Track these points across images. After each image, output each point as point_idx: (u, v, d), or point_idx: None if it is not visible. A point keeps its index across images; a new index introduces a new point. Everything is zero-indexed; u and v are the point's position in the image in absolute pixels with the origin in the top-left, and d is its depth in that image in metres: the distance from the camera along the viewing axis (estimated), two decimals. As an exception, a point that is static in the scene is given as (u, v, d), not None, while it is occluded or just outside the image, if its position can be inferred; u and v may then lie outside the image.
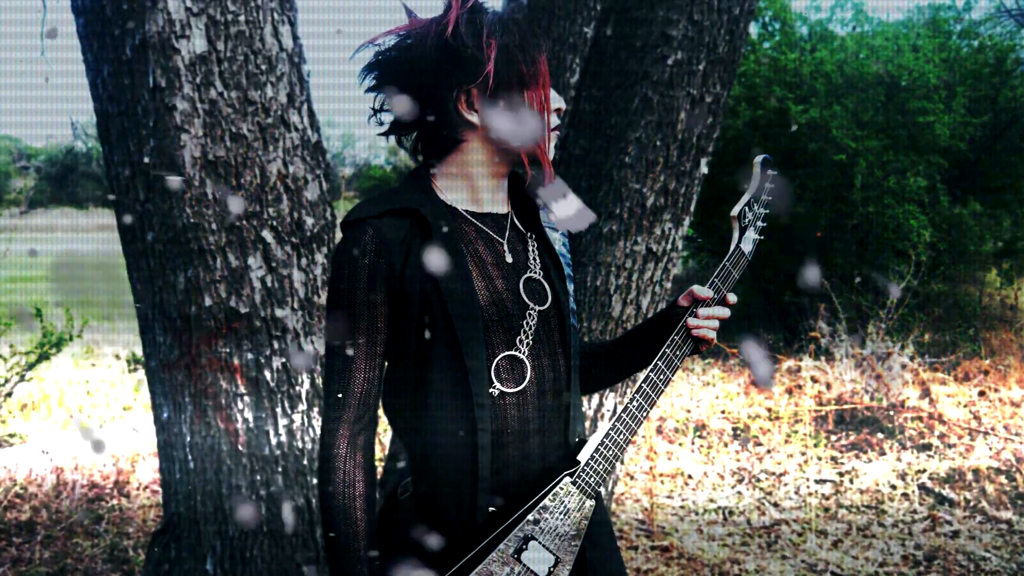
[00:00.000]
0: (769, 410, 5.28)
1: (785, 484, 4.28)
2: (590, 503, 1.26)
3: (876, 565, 3.35)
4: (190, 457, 2.33)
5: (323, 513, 1.22)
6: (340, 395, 1.22)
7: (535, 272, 1.32)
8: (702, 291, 1.33)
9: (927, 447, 4.75)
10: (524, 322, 1.27)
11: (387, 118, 1.33)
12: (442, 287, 1.21)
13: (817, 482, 4.30)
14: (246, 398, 2.28)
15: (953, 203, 7.02)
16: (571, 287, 1.39)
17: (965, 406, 5.32)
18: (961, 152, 7.00)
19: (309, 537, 2.35)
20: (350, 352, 1.22)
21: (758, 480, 4.34)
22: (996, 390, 5.63)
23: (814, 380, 5.51)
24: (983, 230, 7.03)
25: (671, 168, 2.45)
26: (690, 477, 4.38)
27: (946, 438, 4.83)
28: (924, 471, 4.37)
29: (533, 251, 1.34)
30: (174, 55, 2.14)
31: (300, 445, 2.33)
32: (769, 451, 4.77)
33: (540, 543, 1.22)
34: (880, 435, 4.94)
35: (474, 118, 1.25)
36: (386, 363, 1.27)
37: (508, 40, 1.23)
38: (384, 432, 4.16)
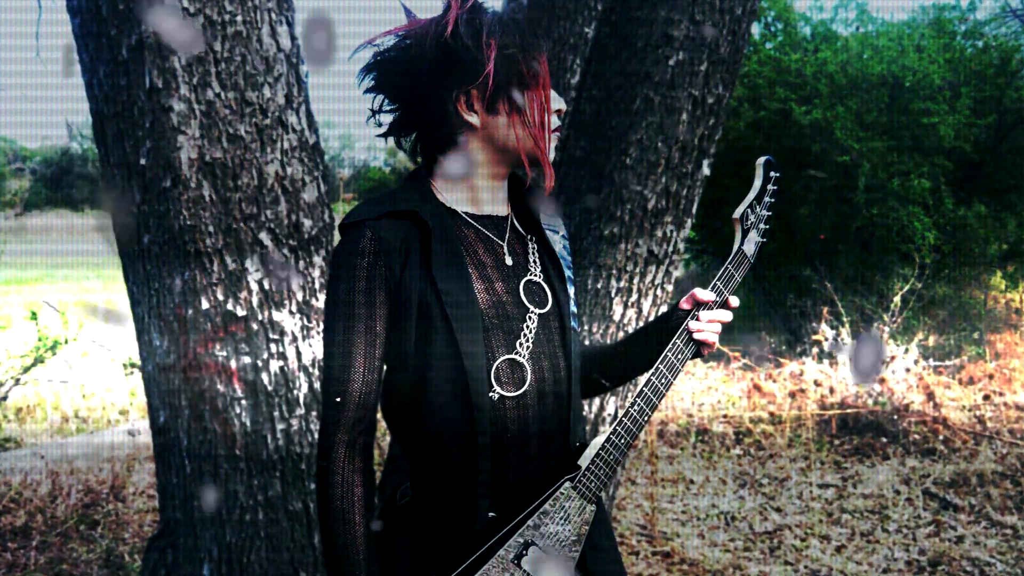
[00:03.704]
0: (772, 414, 5.25)
1: (788, 489, 4.25)
2: (591, 508, 1.25)
3: (880, 571, 3.32)
4: (187, 461, 2.31)
5: (321, 518, 1.21)
6: (338, 399, 1.21)
7: (535, 274, 1.30)
8: (704, 294, 1.32)
9: (931, 451, 4.72)
10: (524, 325, 1.25)
11: (386, 119, 1.31)
12: (441, 289, 1.19)
13: (820, 487, 4.28)
14: (243, 402, 2.26)
15: (957, 205, 6.99)
16: (571, 289, 1.37)
17: (969, 410, 5.29)
18: (965, 153, 6.97)
19: (307, 542, 2.33)
20: (348, 355, 1.20)
21: (760, 485, 4.31)
22: (1001, 394, 5.60)
23: (817, 384, 5.48)
24: (988, 232, 7.00)
25: (672, 170, 2.43)
26: (692, 482, 4.35)
27: (950, 442, 4.80)
28: (928, 476, 4.34)
29: (533, 253, 1.33)
30: (171, 56, 2.12)
31: (298, 449, 2.31)
32: (771, 456, 4.74)
33: (540, 548, 1.20)
34: (883, 439, 4.91)
35: (473, 119, 1.24)
36: (385, 366, 1.25)
37: (508, 41, 1.22)
38: (383, 436, 4.14)
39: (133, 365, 4.83)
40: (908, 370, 5.27)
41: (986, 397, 5.43)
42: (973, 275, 7.84)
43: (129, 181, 2.22)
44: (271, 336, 2.27)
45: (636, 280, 2.47)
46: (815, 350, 5.97)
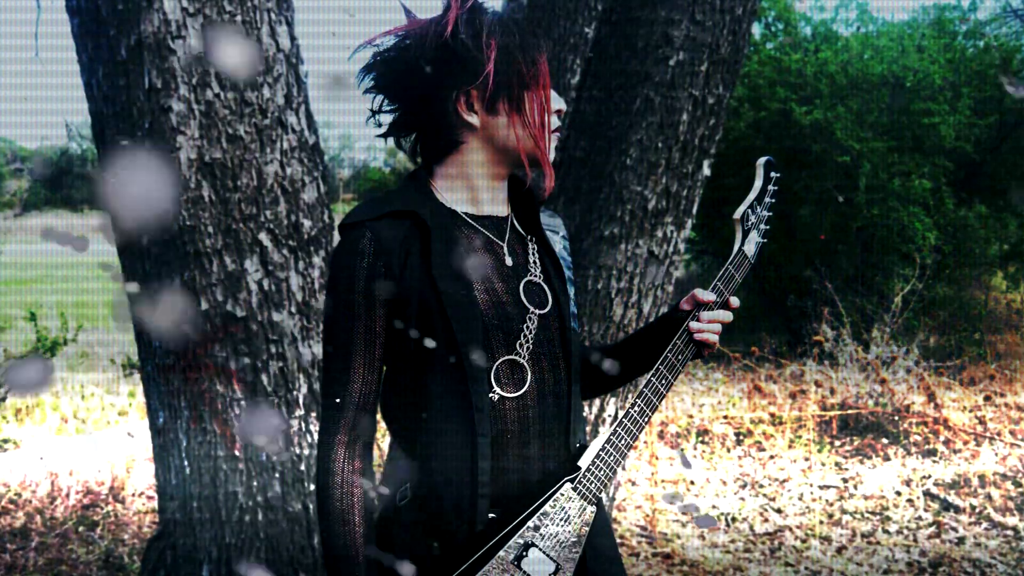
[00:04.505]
0: (772, 415, 5.24)
1: (788, 490, 4.24)
2: (591, 509, 1.24)
3: (880, 572, 3.31)
4: (186, 463, 2.31)
5: (320, 519, 1.20)
6: (338, 400, 1.21)
7: (535, 275, 1.30)
8: (704, 294, 1.31)
9: (932, 452, 4.72)
10: (524, 326, 1.24)
11: (386, 119, 1.31)
12: (441, 290, 1.19)
13: (821, 488, 4.27)
14: (243, 403, 2.26)
15: (958, 205, 6.99)
16: (572, 290, 1.37)
17: (970, 411, 5.28)
18: (966, 154, 6.96)
19: (307, 544, 2.33)
20: (348, 356, 1.20)
21: (761, 486, 4.31)
22: (1002, 395, 5.59)
23: (818, 385, 5.47)
24: (988, 233, 6.99)
25: (673, 170, 2.43)
26: (692, 483, 4.34)
27: (951, 443, 4.79)
28: (929, 477, 4.33)
29: (533, 254, 1.32)
30: (170, 56, 2.12)
31: (297, 451, 2.30)
32: (772, 457, 4.73)
33: (540, 550, 1.20)
34: (884, 440, 4.91)
35: (473, 119, 1.23)
36: (384, 367, 1.24)
37: (508, 41, 1.21)
38: (383, 437, 4.13)
39: (132, 366, 4.83)
40: (909, 371, 5.26)
41: (987, 398, 5.42)
42: (974, 276, 7.84)
43: (128, 181, 2.21)
44: (270, 337, 2.26)
45: (636, 281, 2.47)
46: (815, 351, 5.96)
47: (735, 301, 1.35)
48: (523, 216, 1.35)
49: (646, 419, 1.27)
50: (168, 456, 2.36)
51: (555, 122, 1.28)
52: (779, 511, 3.97)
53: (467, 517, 1.20)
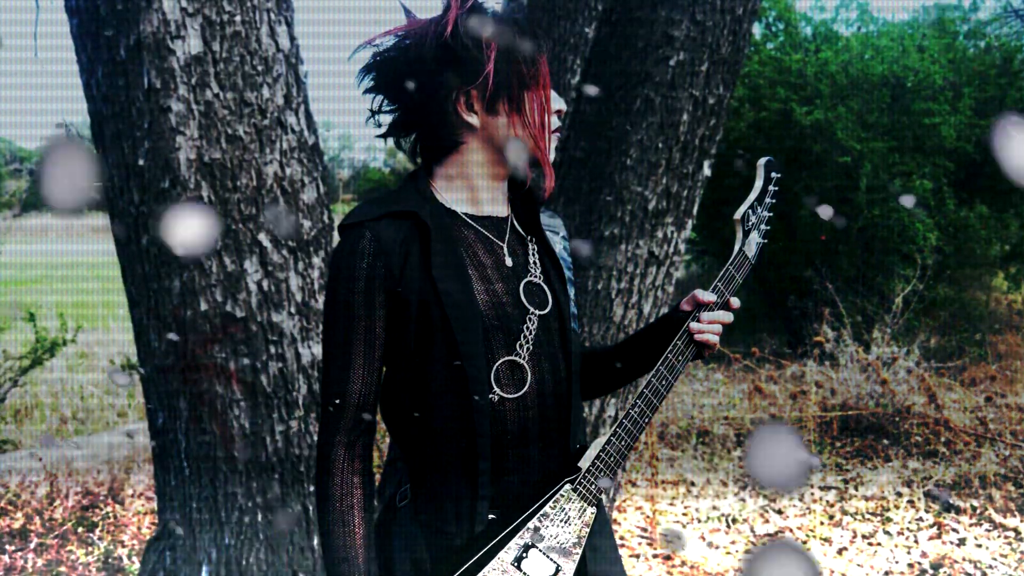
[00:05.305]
0: (773, 416, 5.24)
1: (789, 491, 4.24)
2: (591, 510, 1.24)
3: (881, 573, 3.31)
4: (185, 463, 2.30)
5: (320, 520, 1.20)
6: (338, 400, 1.20)
7: (535, 276, 1.29)
8: (705, 295, 1.31)
9: (933, 453, 4.71)
10: (524, 326, 1.24)
11: (385, 119, 1.30)
12: (441, 291, 1.18)
13: (821, 489, 4.26)
14: (242, 403, 2.25)
15: (959, 206, 6.97)
16: (572, 291, 1.37)
17: (971, 412, 5.27)
18: (967, 154, 6.95)
19: (306, 545, 2.32)
20: (347, 357, 1.20)
21: (761, 487, 4.30)
22: (1003, 396, 5.58)
23: (818, 385, 5.47)
24: (989, 233, 6.98)
25: (673, 170, 2.42)
26: (692, 484, 4.34)
27: (952, 444, 4.78)
28: (930, 478, 4.32)
29: (533, 254, 1.32)
30: (169, 56, 2.11)
31: (297, 451, 2.30)
32: (773, 457, 4.72)
33: (540, 551, 1.19)
34: (885, 441, 4.90)
35: (473, 120, 1.23)
36: (384, 368, 1.24)
37: (508, 41, 1.21)
38: (383, 438, 4.13)
39: (131, 366, 4.81)
40: (910, 372, 5.25)
41: (988, 399, 5.41)
42: (975, 276, 7.83)
43: (127, 182, 2.21)
44: (270, 337, 2.26)
45: (636, 281, 2.47)
46: (816, 352, 5.95)
47: (736, 302, 1.34)
48: (523, 216, 1.34)
49: (646, 420, 1.27)
50: (167, 457, 2.35)
51: (555, 122, 1.27)
52: (780, 512, 3.96)
53: (467, 518, 1.19)
